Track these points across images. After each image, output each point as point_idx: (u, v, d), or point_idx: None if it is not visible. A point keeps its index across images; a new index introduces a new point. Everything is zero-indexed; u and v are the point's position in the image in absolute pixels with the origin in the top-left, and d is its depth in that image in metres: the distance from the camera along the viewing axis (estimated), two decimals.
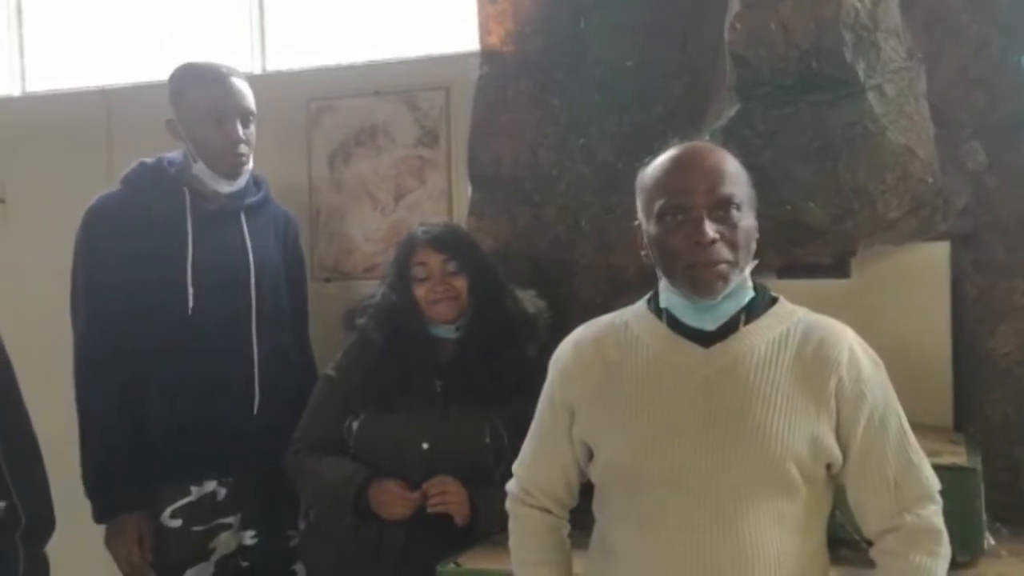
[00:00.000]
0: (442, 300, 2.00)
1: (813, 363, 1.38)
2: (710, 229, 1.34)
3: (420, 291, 2.01)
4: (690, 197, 1.36)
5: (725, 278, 1.37)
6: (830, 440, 1.37)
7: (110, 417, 2.13)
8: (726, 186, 1.37)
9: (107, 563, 2.21)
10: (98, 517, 2.15)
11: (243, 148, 2.17)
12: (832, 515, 1.46)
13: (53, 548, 1.89)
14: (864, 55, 1.90)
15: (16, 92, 3.13)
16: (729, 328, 1.41)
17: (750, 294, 1.42)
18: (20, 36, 3.14)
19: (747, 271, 1.41)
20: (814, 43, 1.88)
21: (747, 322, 1.42)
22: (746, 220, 1.38)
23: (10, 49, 3.14)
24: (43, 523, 1.85)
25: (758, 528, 1.35)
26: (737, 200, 1.37)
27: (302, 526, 2.25)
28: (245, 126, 2.18)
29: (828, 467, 1.40)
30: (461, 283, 2.01)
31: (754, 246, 1.41)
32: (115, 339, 2.13)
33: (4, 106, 3.07)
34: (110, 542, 2.16)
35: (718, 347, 1.40)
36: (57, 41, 3.12)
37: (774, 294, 1.48)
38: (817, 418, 1.37)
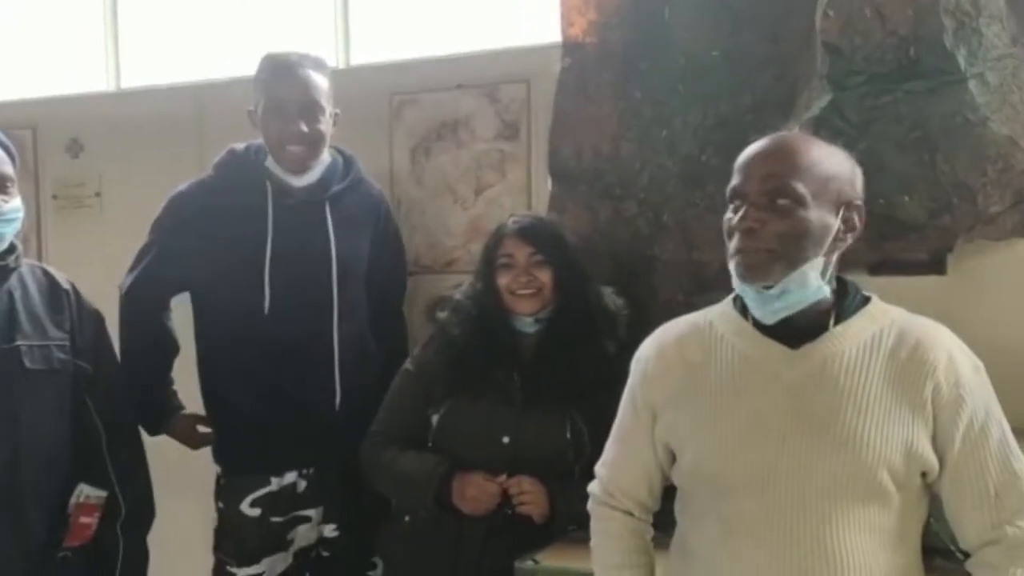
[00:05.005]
0: (525, 294, 1.99)
1: (908, 366, 1.33)
2: (751, 215, 1.32)
3: (504, 280, 2.00)
4: (747, 183, 1.34)
5: (762, 268, 1.32)
6: (926, 448, 1.32)
7: (146, 346, 2.24)
8: (782, 176, 1.32)
9: (205, 554, 2.27)
10: (152, 429, 2.22)
11: (300, 142, 2.12)
12: (926, 523, 1.41)
13: (152, 538, 1.95)
14: (965, 42, 1.83)
15: (111, 88, 3.22)
16: (819, 328, 1.36)
17: (816, 294, 1.35)
18: (115, 34, 3.23)
19: (805, 268, 1.33)
20: (912, 30, 1.82)
21: (837, 322, 1.37)
22: (802, 213, 1.31)
23: (105, 47, 3.23)
24: (143, 513, 1.91)
25: (847, 538, 1.30)
26: (792, 191, 1.31)
27: None
28: (309, 120, 2.12)
29: (923, 476, 1.34)
30: (545, 276, 2.00)
31: (818, 244, 1.33)
32: (155, 308, 2.27)
33: (99, 102, 3.17)
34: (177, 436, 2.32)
35: (806, 348, 1.36)
36: (150, 38, 3.20)
37: (867, 293, 1.42)
38: (912, 424, 1.31)
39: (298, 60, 2.15)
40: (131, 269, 2.29)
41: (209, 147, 2.84)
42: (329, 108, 2.18)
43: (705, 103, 2.18)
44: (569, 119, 2.31)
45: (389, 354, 2.29)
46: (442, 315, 2.06)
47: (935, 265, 2.03)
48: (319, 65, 2.19)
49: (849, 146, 1.79)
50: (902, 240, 1.96)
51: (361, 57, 2.85)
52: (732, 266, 1.36)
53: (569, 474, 1.92)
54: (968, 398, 1.32)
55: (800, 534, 1.31)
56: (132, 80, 3.21)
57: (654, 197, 2.23)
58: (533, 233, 2.02)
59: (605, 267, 2.21)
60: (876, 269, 2.00)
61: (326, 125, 2.18)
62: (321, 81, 2.16)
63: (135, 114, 3.04)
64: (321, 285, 2.18)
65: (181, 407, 2.34)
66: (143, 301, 2.26)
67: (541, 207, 2.40)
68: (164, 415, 2.29)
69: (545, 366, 1.98)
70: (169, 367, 2.33)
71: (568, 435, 1.94)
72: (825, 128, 1.87)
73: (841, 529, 1.30)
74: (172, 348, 2.33)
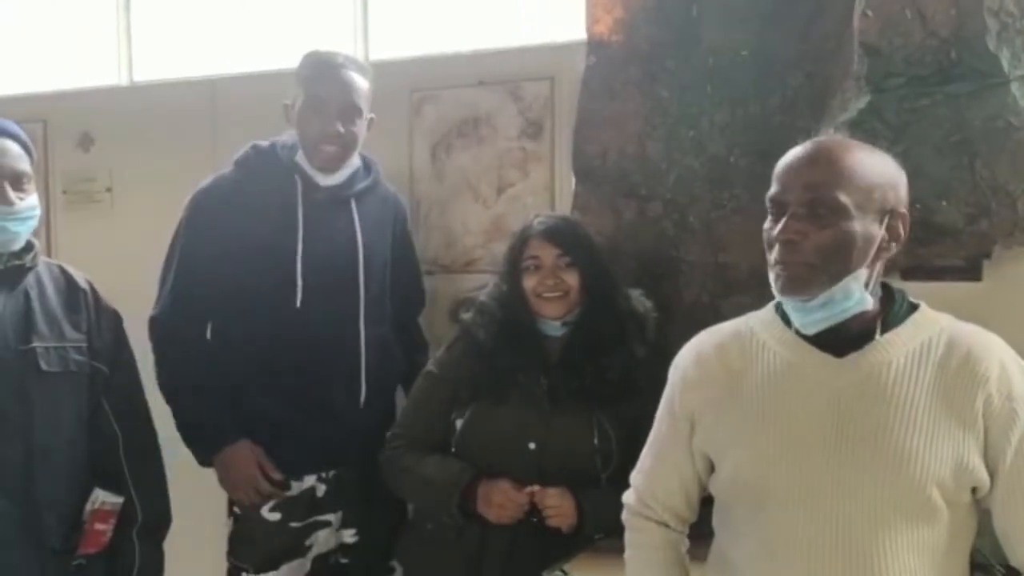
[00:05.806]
0: (551, 297, 1.95)
1: (958, 377, 1.29)
2: (791, 227, 1.28)
3: (530, 282, 1.96)
4: (788, 192, 1.30)
5: (803, 281, 1.28)
6: (976, 462, 1.28)
7: (197, 372, 2.10)
8: (824, 185, 1.27)
9: (221, 561, 2.22)
10: (202, 459, 2.12)
11: (335, 143, 2.09)
12: None
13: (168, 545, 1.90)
14: (1009, 44, 1.79)
15: (123, 82, 3.19)
16: (864, 336, 1.32)
17: (859, 305, 1.31)
18: (128, 27, 3.20)
19: (848, 280, 1.29)
20: (954, 31, 1.78)
21: (884, 331, 1.32)
22: (845, 224, 1.27)
23: (118, 39, 3.19)
24: (159, 520, 1.86)
25: (894, 557, 1.27)
26: (835, 201, 1.27)
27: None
28: (346, 121, 2.10)
29: (973, 491, 1.30)
30: (572, 278, 1.95)
31: (862, 256, 1.29)
32: (197, 322, 2.14)
33: (111, 96, 3.13)
34: (224, 479, 2.12)
35: (852, 357, 1.32)
36: (164, 31, 3.17)
37: (914, 300, 1.38)
38: (962, 438, 1.27)
39: (343, 61, 2.13)
40: (157, 298, 2.17)
41: (222, 142, 2.80)
42: (366, 112, 2.16)
43: (733, 103, 2.14)
44: (594, 118, 2.27)
45: (408, 365, 2.25)
46: (466, 316, 2.02)
47: (970, 271, 1.99)
48: (362, 69, 2.17)
49: (886, 149, 1.77)
50: (938, 245, 1.92)
51: (381, 52, 2.81)
52: (772, 278, 1.32)
53: (596, 480, 1.88)
54: (1021, 411, 1.28)
55: (844, 551, 1.28)
56: (144, 74, 3.18)
57: (680, 198, 2.19)
58: (560, 235, 1.98)
59: (629, 268, 2.17)
60: (909, 274, 1.96)
61: (361, 128, 2.15)
62: (362, 84, 2.14)
63: (147, 108, 3.01)
64: (349, 281, 2.14)
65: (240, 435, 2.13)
66: (178, 330, 2.13)
67: (564, 206, 2.36)
68: (221, 437, 2.11)
69: (572, 370, 1.93)
70: (225, 399, 2.13)
71: (596, 441, 1.89)
72: (862, 131, 1.83)
73: (888, 547, 1.27)
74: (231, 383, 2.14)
